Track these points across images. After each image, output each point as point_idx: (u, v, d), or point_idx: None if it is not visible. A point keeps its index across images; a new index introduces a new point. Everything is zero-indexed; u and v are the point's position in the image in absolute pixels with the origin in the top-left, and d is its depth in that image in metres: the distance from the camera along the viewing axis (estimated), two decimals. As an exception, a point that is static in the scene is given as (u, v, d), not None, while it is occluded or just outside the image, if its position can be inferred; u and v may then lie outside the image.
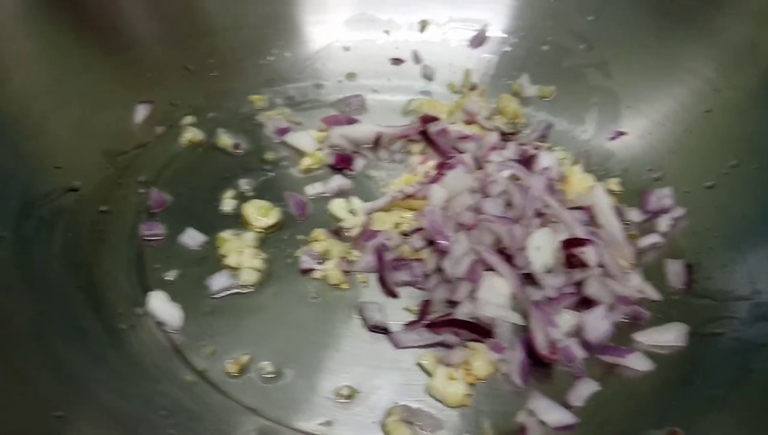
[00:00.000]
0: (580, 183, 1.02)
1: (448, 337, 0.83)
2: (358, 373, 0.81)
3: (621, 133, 1.12)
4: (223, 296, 0.88)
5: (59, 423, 0.68)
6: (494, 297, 0.84)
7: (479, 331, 0.83)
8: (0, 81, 0.93)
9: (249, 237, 0.95)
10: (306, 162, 1.07)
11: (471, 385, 0.80)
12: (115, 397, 0.74)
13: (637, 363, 0.82)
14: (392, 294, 0.89)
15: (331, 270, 0.91)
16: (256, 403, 0.77)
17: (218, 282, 0.89)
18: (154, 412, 0.74)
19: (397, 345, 0.84)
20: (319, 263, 0.92)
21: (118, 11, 1.09)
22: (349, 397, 0.79)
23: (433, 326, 0.84)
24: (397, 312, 0.88)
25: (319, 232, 0.95)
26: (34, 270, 0.82)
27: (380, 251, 0.91)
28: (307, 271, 0.91)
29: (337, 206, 1.00)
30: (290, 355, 0.82)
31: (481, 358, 0.81)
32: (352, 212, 1.00)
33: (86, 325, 0.81)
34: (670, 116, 1.09)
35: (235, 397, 0.78)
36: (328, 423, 0.76)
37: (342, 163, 1.07)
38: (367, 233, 0.94)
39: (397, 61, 1.25)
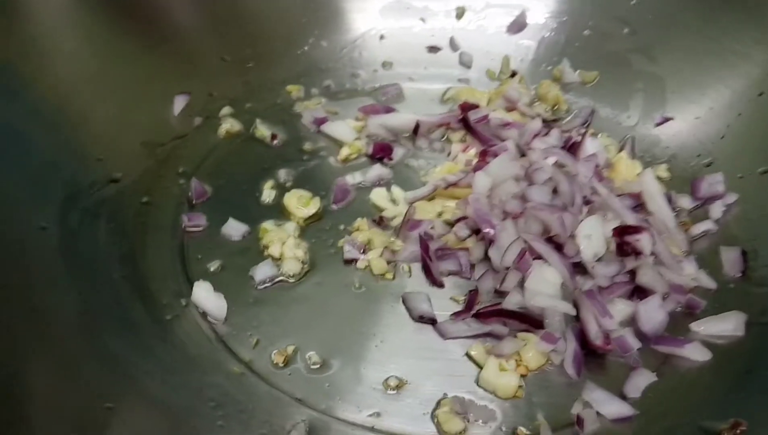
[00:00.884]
0: (627, 170, 0.99)
1: (497, 327, 0.81)
2: (406, 364, 0.79)
3: (667, 119, 1.08)
4: (266, 287, 0.87)
5: (109, 414, 0.68)
6: (544, 287, 0.82)
7: (529, 321, 0.81)
8: (43, 73, 0.94)
9: (290, 227, 0.94)
10: (344, 152, 1.06)
11: (522, 376, 0.78)
12: (163, 388, 0.73)
13: (695, 353, 0.79)
14: (438, 284, 0.88)
15: (374, 260, 0.89)
16: (304, 393, 0.76)
17: (261, 272, 0.88)
18: (203, 403, 0.73)
19: (444, 335, 0.82)
20: (363, 253, 0.91)
21: (156, 3, 1.08)
22: (397, 388, 0.77)
23: (481, 316, 0.82)
24: (444, 302, 0.86)
25: (361, 222, 0.94)
26: (79, 261, 0.83)
27: (424, 241, 0.89)
28: (350, 261, 0.90)
29: (378, 195, 0.99)
30: (336, 346, 0.81)
31: (532, 349, 0.78)
32: (394, 201, 0.98)
33: (132, 316, 0.81)
34: (719, 101, 1.05)
35: (282, 388, 0.76)
36: (377, 414, 0.75)
37: (381, 153, 1.06)
38: (410, 223, 0.93)
39: (433, 49, 1.23)
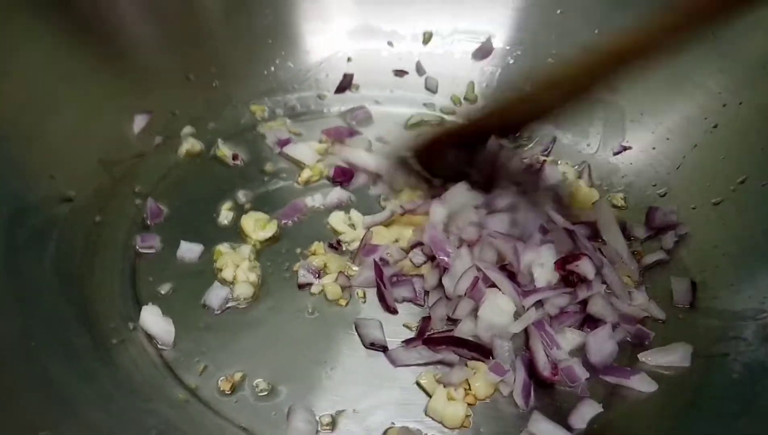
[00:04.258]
0: (584, 197, 1.00)
1: (447, 355, 0.81)
2: (355, 391, 0.79)
3: (625, 148, 1.10)
4: (218, 312, 0.86)
5: (45, 442, 0.66)
6: (496, 315, 0.82)
7: (479, 350, 0.81)
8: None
9: (245, 250, 0.93)
10: (306, 174, 1.06)
11: (470, 405, 0.77)
12: (104, 416, 0.71)
13: (642, 384, 0.79)
14: (391, 310, 0.87)
15: (329, 285, 0.89)
16: (249, 422, 0.75)
17: (213, 296, 0.87)
18: (145, 432, 0.71)
19: (394, 363, 0.82)
20: (317, 277, 0.90)
21: (117, 17, 1.07)
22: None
23: (431, 343, 0.82)
24: (397, 329, 0.86)
25: (318, 245, 0.93)
26: (23, 282, 0.81)
27: (379, 266, 0.89)
28: (304, 286, 0.89)
29: (336, 219, 0.98)
30: (285, 373, 0.80)
31: (481, 378, 0.78)
32: (352, 226, 0.98)
33: (76, 340, 0.79)
34: (676, 131, 1.07)
35: (227, 416, 0.75)
36: (323, 444, 0.74)
37: (341, 177, 1.06)
38: (366, 247, 0.92)
39: (400, 73, 1.24)
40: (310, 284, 0.89)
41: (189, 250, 0.92)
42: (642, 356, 0.83)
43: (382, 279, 0.88)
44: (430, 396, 0.78)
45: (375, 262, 0.90)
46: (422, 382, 0.79)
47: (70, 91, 1.00)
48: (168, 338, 0.81)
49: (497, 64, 1.23)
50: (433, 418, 0.76)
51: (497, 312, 0.82)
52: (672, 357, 0.82)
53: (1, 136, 0.90)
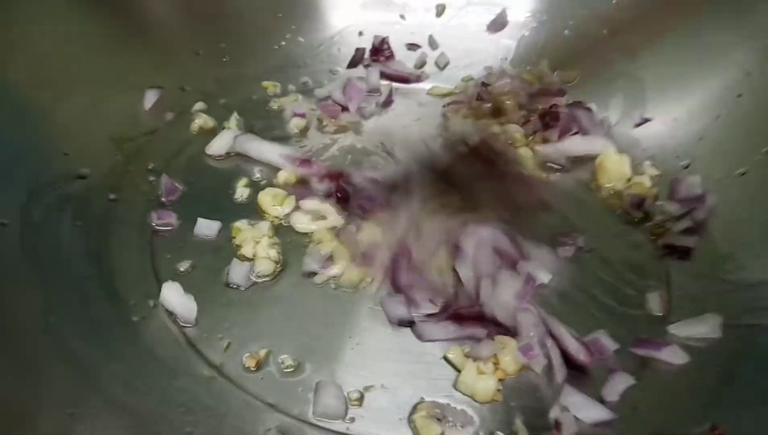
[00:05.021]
0: (615, 167, 0.98)
1: (475, 330, 0.80)
2: (383, 367, 0.77)
3: (647, 120, 1.08)
4: (239, 288, 0.84)
5: (71, 421, 0.64)
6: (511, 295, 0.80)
7: (506, 327, 0.79)
8: (9, 62, 0.89)
9: (264, 226, 0.91)
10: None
11: (500, 380, 0.76)
12: (129, 392, 0.70)
13: (673, 356, 0.78)
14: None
15: (344, 272, 0.86)
16: (276, 398, 0.74)
17: (234, 273, 0.85)
18: (171, 408, 0.70)
19: (421, 338, 0.80)
20: (325, 267, 0.86)
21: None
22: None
23: (458, 319, 0.81)
24: (423, 303, 0.84)
25: (323, 233, 0.90)
26: (42, 259, 0.79)
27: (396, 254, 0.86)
28: (311, 274, 0.86)
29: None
30: (310, 349, 0.78)
31: (510, 353, 0.77)
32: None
33: (97, 317, 0.77)
34: (698, 102, 1.05)
35: (254, 393, 0.74)
36: (351, 419, 0.73)
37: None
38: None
39: (413, 47, 1.21)
40: (315, 273, 0.86)
41: (207, 227, 0.90)
42: (671, 328, 0.81)
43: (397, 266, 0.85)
44: (458, 371, 0.77)
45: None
46: (450, 356, 0.78)
47: (82, 69, 0.99)
48: (190, 315, 0.80)
49: (512, 37, 1.20)
50: (463, 393, 0.75)
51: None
52: (702, 328, 0.80)
53: (15, 115, 0.88)
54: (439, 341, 0.80)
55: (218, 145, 1.02)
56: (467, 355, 0.78)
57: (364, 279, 0.86)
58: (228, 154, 1.02)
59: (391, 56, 1.19)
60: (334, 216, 0.93)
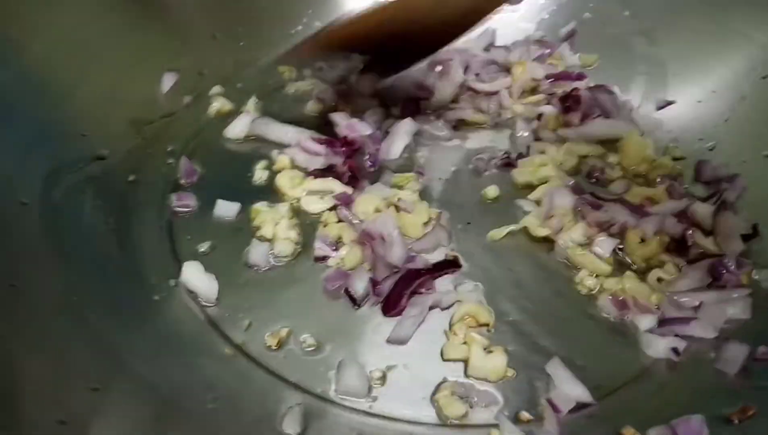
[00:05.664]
0: (636, 149, 0.97)
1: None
2: (404, 347, 0.76)
3: (669, 103, 1.06)
4: (259, 268, 0.83)
5: (96, 397, 0.64)
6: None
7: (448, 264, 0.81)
8: (31, 43, 0.89)
9: (283, 208, 0.90)
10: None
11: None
12: (151, 369, 0.70)
13: (702, 331, 0.76)
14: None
15: (348, 254, 0.84)
16: (299, 377, 0.73)
17: (254, 254, 0.84)
18: (193, 385, 0.70)
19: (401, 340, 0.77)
20: (335, 250, 0.85)
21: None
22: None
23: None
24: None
25: (328, 215, 0.89)
26: (63, 239, 0.79)
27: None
28: (321, 259, 0.85)
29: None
30: (331, 328, 0.78)
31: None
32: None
33: (119, 296, 0.77)
34: (722, 84, 1.03)
35: (276, 371, 0.73)
36: (374, 398, 0.72)
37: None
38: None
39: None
40: (326, 257, 0.85)
41: (226, 209, 0.90)
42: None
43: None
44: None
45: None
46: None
47: (101, 52, 0.99)
48: (211, 294, 0.79)
49: (531, 20, 1.21)
50: (477, 378, 0.73)
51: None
52: (733, 310, 0.79)
53: (35, 97, 0.88)
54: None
55: (237, 129, 1.02)
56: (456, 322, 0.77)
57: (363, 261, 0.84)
58: (247, 137, 1.02)
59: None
60: (339, 186, 0.92)
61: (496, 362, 0.74)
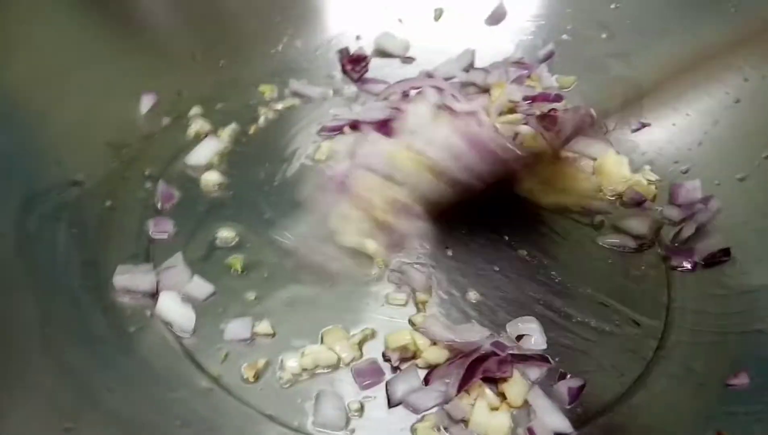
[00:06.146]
0: (614, 168, 0.98)
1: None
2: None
3: (645, 125, 1.08)
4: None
5: (68, 435, 0.63)
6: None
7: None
8: (1, 66, 0.88)
9: (262, 234, 0.90)
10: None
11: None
12: (126, 405, 0.69)
13: None
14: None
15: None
16: (276, 409, 0.73)
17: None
18: (168, 420, 0.69)
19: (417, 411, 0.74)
20: None
21: (125, -2, 1.03)
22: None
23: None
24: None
25: None
26: (37, 269, 0.78)
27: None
28: None
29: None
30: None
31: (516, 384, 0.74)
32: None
33: (93, 328, 0.76)
34: (696, 107, 1.05)
35: (252, 404, 0.73)
36: (352, 430, 0.72)
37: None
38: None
39: (409, 59, 1.20)
40: None
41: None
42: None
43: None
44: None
45: None
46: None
47: (76, 73, 0.97)
48: (188, 325, 0.79)
49: (511, 41, 1.20)
50: (477, 432, 0.72)
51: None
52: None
53: (9, 121, 0.86)
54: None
55: (200, 154, 1.01)
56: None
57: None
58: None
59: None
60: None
61: (501, 421, 0.72)
